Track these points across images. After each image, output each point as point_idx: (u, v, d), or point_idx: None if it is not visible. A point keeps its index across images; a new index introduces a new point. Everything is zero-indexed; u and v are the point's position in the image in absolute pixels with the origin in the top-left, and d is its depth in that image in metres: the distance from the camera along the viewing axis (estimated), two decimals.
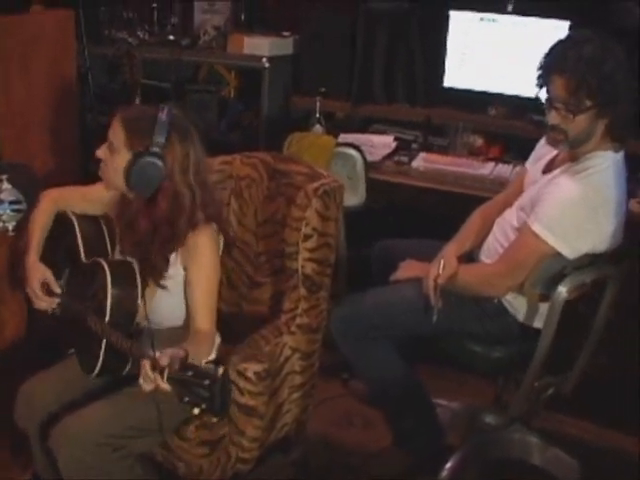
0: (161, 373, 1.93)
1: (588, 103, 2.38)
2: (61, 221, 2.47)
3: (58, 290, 2.35)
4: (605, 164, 2.45)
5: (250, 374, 2.29)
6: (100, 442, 2.14)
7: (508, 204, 2.73)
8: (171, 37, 4.13)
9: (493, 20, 3.56)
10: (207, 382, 1.84)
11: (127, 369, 2.24)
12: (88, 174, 3.61)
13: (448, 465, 2.76)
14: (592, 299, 2.64)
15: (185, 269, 2.30)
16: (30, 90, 2.81)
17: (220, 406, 1.85)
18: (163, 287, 2.30)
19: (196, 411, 1.87)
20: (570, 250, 2.44)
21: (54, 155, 2.98)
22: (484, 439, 2.92)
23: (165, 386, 1.91)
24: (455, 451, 2.81)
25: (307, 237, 2.47)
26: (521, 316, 2.62)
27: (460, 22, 3.63)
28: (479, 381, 3.22)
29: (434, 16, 3.68)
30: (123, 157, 2.20)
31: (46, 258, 2.47)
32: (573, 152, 2.52)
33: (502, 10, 3.55)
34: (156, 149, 2.17)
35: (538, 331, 2.57)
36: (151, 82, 4.12)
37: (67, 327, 2.39)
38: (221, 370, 1.89)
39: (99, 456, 2.14)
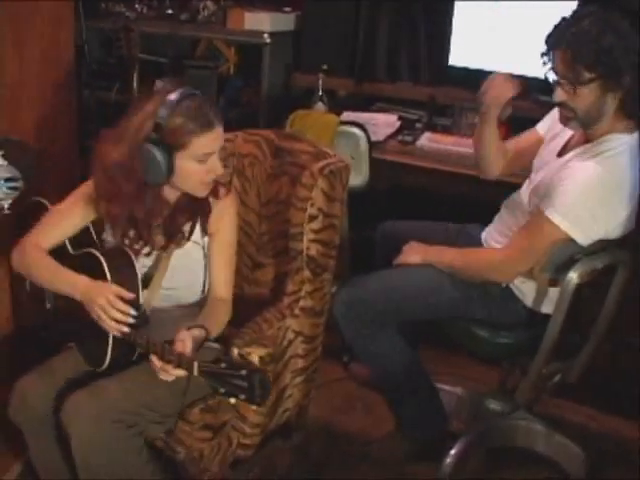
0: (189, 367, 1.93)
1: (587, 75, 2.32)
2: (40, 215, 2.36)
3: (132, 296, 2.12)
4: (620, 147, 2.38)
5: (254, 358, 2.23)
6: (115, 418, 2.09)
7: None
8: (169, 11, 4.04)
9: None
10: (244, 372, 1.85)
11: (136, 355, 2.19)
12: (84, 151, 3.56)
13: (452, 451, 2.70)
14: (600, 284, 2.59)
15: (210, 235, 2.31)
16: (24, 65, 2.73)
17: (260, 396, 1.85)
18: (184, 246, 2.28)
19: (233, 401, 1.88)
20: (584, 237, 2.38)
21: (49, 132, 2.90)
22: (488, 426, 2.88)
23: (179, 372, 1.97)
24: (459, 437, 2.76)
25: (312, 218, 2.41)
26: (529, 301, 2.57)
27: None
28: (482, 366, 3.19)
29: None
30: None
31: None
32: (587, 134, 2.45)
33: None
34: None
35: (546, 317, 2.52)
36: (149, 57, 4.05)
37: (64, 320, 2.31)
38: (256, 358, 1.87)
39: (114, 432, 2.09)
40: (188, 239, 2.30)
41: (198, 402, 2.24)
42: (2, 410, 2.30)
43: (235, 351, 2.02)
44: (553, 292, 2.50)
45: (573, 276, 2.41)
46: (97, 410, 2.09)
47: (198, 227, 2.31)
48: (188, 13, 3.97)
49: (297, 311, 2.45)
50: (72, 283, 2.15)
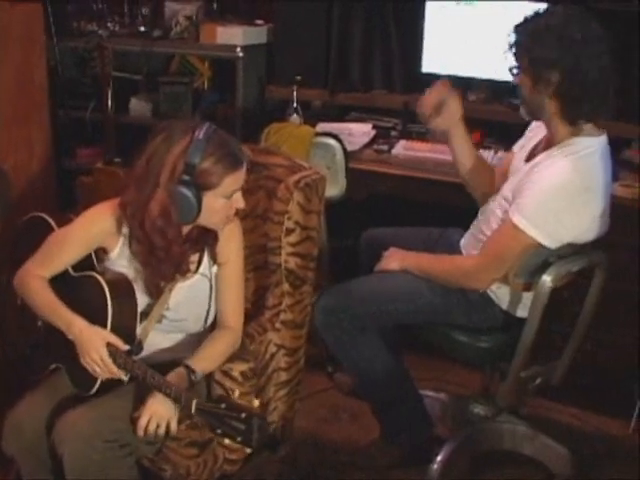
0: (187, 405, 1.97)
1: (522, 61, 2.39)
2: (39, 230, 2.34)
3: (126, 348, 2.12)
4: (584, 150, 2.39)
5: (236, 374, 2.25)
6: (108, 438, 2.09)
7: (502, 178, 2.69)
8: (142, 28, 4.04)
9: (470, 3, 3.51)
10: (243, 415, 1.87)
11: (127, 380, 2.18)
12: (61, 171, 3.57)
13: (439, 457, 2.72)
14: (579, 286, 2.62)
15: (219, 264, 2.29)
16: None
17: (257, 440, 1.87)
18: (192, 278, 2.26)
19: (227, 442, 1.92)
20: (551, 240, 2.39)
21: (26, 153, 2.90)
22: (473, 430, 2.89)
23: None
24: (445, 443, 2.78)
25: (290, 231, 2.43)
26: (505, 305, 2.59)
27: (437, 6, 3.58)
28: (463, 370, 3.21)
29: (410, 0, 3.62)
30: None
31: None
32: (552, 138, 2.47)
33: None
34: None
35: (523, 320, 2.53)
36: (123, 75, 4.06)
37: (52, 343, 2.28)
38: (257, 403, 1.89)
39: (106, 452, 2.08)
40: (196, 271, 2.27)
41: (184, 419, 2.22)
42: None
43: (237, 392, 2.05)
44: (528, 296, 2.52)
45: (546, 280, 2.43)
46: (89, 429, 2.08)
47: (206, 258, 2.28)
48: (161, 30, 3.97)
49: (278, 324, 2.46)
50: (68, 323, 2.13)
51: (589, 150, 2.39)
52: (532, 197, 2.37)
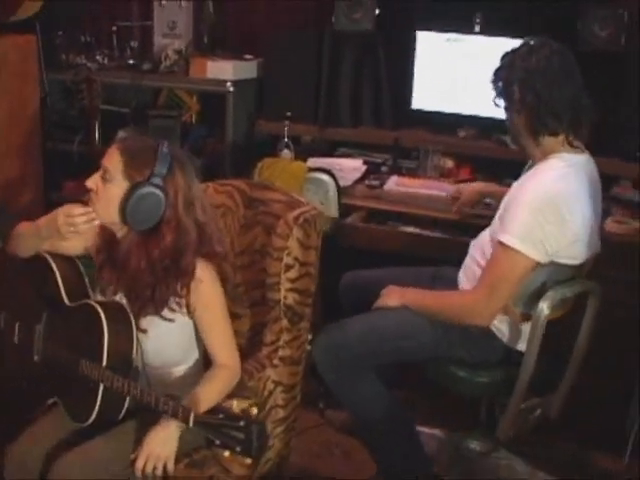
0: (185, 418, 1.93)
1: (497, 87, 2.56)
2: (35, 264, 2.35)
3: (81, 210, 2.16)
4: (561, 165, 2.47)
5: (237, 411, 2.21)
6: None
7: None
8: (131, 61, 4.04)
9: (460, 41, 3.55)
10: (242, 423, 1.83)
11: (122, 414, 2.15)
12: (50, 204, 3.53)
13: None
14: (573, 321, 2.63)
15: (192, 310, 2.23)
16: None
17: (257, 448, 1.83)
18: (169, 320, 2.21)
19: (227, 454, 1.86)
20: (539, 253, 2.42)
21: (16, 185, 2.87)
22: (470, 466, 2.88)
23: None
24: None
25: (289, 267, 2.42)
26: (506, 339, 2.59)
27: (427, 43, 3.61)
28: (455, 405, 3.18)
29: (401, 37, 3.66)
30: (119, 187, 2.11)
31: (19, 303, 2.37)
32: (532, 159, 2.61)
33: (469, 30, 3.54)
34: (157, 180, 2.10)
35: (522, 354, 2.54)
36: (111, 107, 4.04)
37: (49, 377, 2.27)
38: (255, 410, 1.86)
39: None
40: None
41: (183, 457, 2.20)
42: None
43: (234, 403, 2.01)
44: (527, 329, 2.52)
45: (544, 307, 2.45)
46: (86, 472, 2.06)
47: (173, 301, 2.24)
48: (150, 63, 3.97)
49: (276, 361, 2.44)
50: (35, 228, 2.24)
51: (569, 164, 2.48)
52: (514, 213, 2.44)
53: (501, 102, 2.57)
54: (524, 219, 2.41)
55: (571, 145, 2.52)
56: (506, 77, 2.52)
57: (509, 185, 2.81)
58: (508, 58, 2.54)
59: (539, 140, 2.52)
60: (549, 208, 2.40)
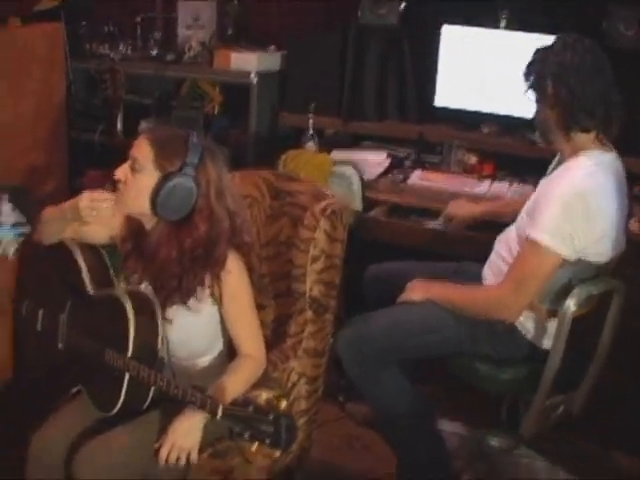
0: (213, 410, 1.91)
1: (530, 82, 2.53)
2: (59, 252, 2.34)
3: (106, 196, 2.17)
4: (591, 163, 2.46)
5: (261, 402, 2.21)
6: (129, 470, 2.07)
7: None
8: (154, 52, 4.04)
9: (485, 36, 3.53)
10: (271, 417, 1.82)
11: (147, 403, 2.14)
12: (73, 193, 3.53)
13: None
14: (596, 318, 2.62)
15: (219, 300, 2.22)
16: (20, 109, 2.71)
17: (287, 441, 1.83)
18: (195, 310, 2.20)
19: (255, 446, 1.85)
20: (568, 249, 2.41)
21: (45, 176, 2.88)
22: (491, 463, 2.87)
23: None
24: (461, 476, 2.75)
25: (315, 259, 2.41)
26: (531, 336, 2.58)
27: (452, 37, 3.59)
28: (476, 402, 3.17)
29: (426, 31, 3.65)
30: (150, 177, 2.10)
31: (43, 291, 2.38)
32: (562, 157, 2.59)
33: (494, 25, 3.52)
34: (189, 170, 2.09)
35: (546, 351, 2.53)
36: (133, 98, 4.04)
37: (73, 366, 2.27)
38: (284, 404, 1.85)
39: None
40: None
41: (206, 447, 2.20)
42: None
43: (264, 395, 2.00)
44: (552, 326, 2.51)
45: (570, 304, 2.44)
46: (110, 461, 2.06)
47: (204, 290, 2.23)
48: (173, 54, 3.97)
49: (300, 352, 2.44)
50: (59, 212, 2.22)
51: (598, 162, 2.47)
52: (545, 208, 2.43)
53: (532, 96, 2.56)
54: (553, 214, 2.40)
55: (601, 143, 2.51)
56: (540, 71, 2.50)
57: (530, 182, 2.84)
58: (541, 53, 2.52)
59: (570, 136, 2.50)
60: (578, 203, 2.39)
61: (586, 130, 2.48)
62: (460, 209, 3.08)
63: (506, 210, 2.92)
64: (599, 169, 2.45)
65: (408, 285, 2.70)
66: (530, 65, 2.54)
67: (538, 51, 2.54)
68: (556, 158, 2.69)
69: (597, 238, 2.44)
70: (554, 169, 2.63)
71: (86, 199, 2.16)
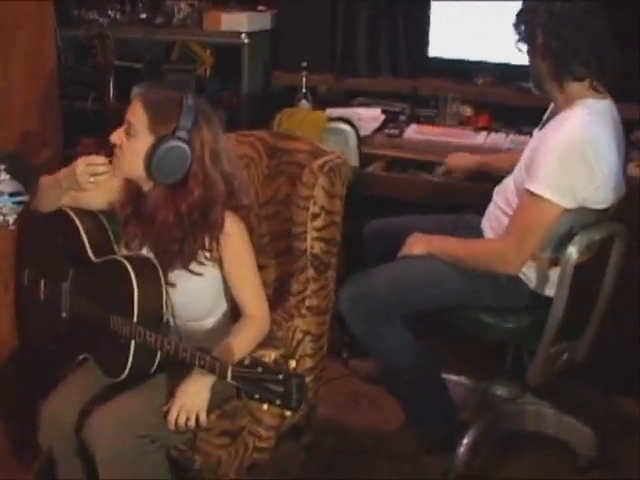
0: (222, 372, 1.91)
1: (520, 33, 2.51)
2: (58, 220, 2.34)
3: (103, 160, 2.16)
4: (586, 112, 2.43)
5: (267, 361, 2.21)
6: (140, 434, 2.07)
7: None
8: (143, 16, 3.98)
9: None
10: (281, 376, 1.81)
11: (154, 367, 2.15)
12: (67, 161, 3.51)
13: (464, 441, 2.72)
14: (597, 264, 2.62)
15: (220, 263, 2.22)
16: (10, 78, 2.67)
17: (297, 401, 1.82)
18: (197, 274, 2.20)
19: (265, 407, 1.86)
20: (567, 199, 2.40)
21: (36, 143, 2.84)
22: (497, 412, 2.88)
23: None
24: (469, 427, 2.77)
25: (315, 216, 2.40)
26: (533, 285, 2.58)
27: None
28: (479, 353, 3.18)
29: None
30: (144, 141, 2.09)
31: (43, 260, 2.38)
32: (556, 107, 2.57)
33: None
34: (183, 133, 2.07)
35: (549, 299, 2.53)
36: (124, 63, 4.00)
37: (78, 334, 2.27)
38: (293, 364, 1.85)
39: (139, 448, 2.07)
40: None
41: (214, 408, 2.20)
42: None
43: (272, 355, 2.00)
44: (555, 274, 2.51)
45: (572, 251, 2.44)
46: (121, 426, 2.06)
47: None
48: (162, 17, 3.91)
49: (304, 310, 2.44)
50: (55, 180, 2.22)
51: (593, 110, 2.44)
52: (543, 161, 2.41)
53: (524, 47, 2.53)
54: (552, 168, 2.38)
55: (595, 90, 2.49)
56: (529, 21, 2.47)
57: (526, 132, 2.82)
58: (531, 1, 2.50)
59: (564, 86, 2.48)
60: (576, 155, 2.37)
61: (579, 79, 2.46)
62: (460, 160, 3.07)
63: (504, 161, 2.90)
64: (594, 118, 2.43)
65: (408, 239, 2.70)
66: (519, 15, 2.51)
67: (531, 7, 2.50)
68: (550, 107, 2.67)
69: (597, 187, 2.42)
70: (548, 119, 2.61)
71: (82, 164, 2.15)
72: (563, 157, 2.37)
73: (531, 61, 2.54)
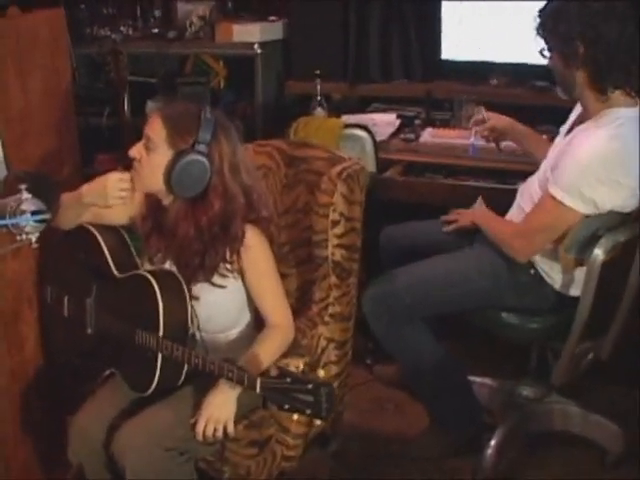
0: (251, 384, 1.92)
1: (549, 41, 2.44)
2: (80, 237, 2.36)
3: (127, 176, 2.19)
4: (618, 121, 2.39)
5: (293, 370, 2.22)
6: (168, 446, 2.09)
7: None
8: (155, 30, 4.01)
9: None
10: (310, 386, 1.82)
11: (181, 380, 2.17)
12: (84, 179, 3.53)
13: (492, 442, 2.71)
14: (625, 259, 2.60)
15: (242, 275, 2.23)
16: (28, 97, 2.70)
17: (327, 410, 1.82)
18: (220, 286, 2.21)
19: (295, 417, 1.85)
20: (589, 208, 2.39)
21: (55, 161, 2.87)
22: (523, 413, 2.88)
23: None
24: (495, 428, 2.76)
25: (335, 223, 2.41)
26: (558, 285, 2.58)
27: None
28: (502, 354, 3.17)
29: None
30: (163, 155, 2.11)
31: (66, 277, 2.39)
32: (586, 112, 2.50)
33: None
34: (202, 147, 2.08)
35: (574, 299, 2.52)
36: (138, 78, 4.02)
37: (104, 349, 2.28)
38: (322, 373, 1.85)
39: (168, 460, 2.09)
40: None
41: (241, 419, 2.22)
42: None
43: (299, 364, 2.01)
44: (580, 274, 2.50)
45: (599, 253, 2.42)
46: (149, 440, 2.08)
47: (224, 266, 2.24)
48: (175, 31, 3.94)
49: (327, 318, 2.45)
50: (76, 197, 2.24)
51: (624, 119, 2.39)
52: (568, 168, 2.39)
53: (552, 54, 2.47)
54: (576, 177, 2.36)
55: (629, 96, 2.43)
56: (565, 32, 2.37)
57: (542, 132, 2.80)
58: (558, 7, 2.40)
59: (606, 96, 2.41)
60: (603, 170, 2.34)
61: (619, 87, 2.40)
62: (499, 117, 2.99)
63: (538, 146, 2.85)
64: (623, 130, 2.37)
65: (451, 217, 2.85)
66: (546, 23, 2.42)
67: (559, 11, 2.39)
68: (576, 108, 2.63)
69: (624, 198, 2.40)
70: (578, 121, 2.56)
71: (113, 179, 2.17)
72: (588, 169, 2.35)
73: (563, 70, 2.46)
